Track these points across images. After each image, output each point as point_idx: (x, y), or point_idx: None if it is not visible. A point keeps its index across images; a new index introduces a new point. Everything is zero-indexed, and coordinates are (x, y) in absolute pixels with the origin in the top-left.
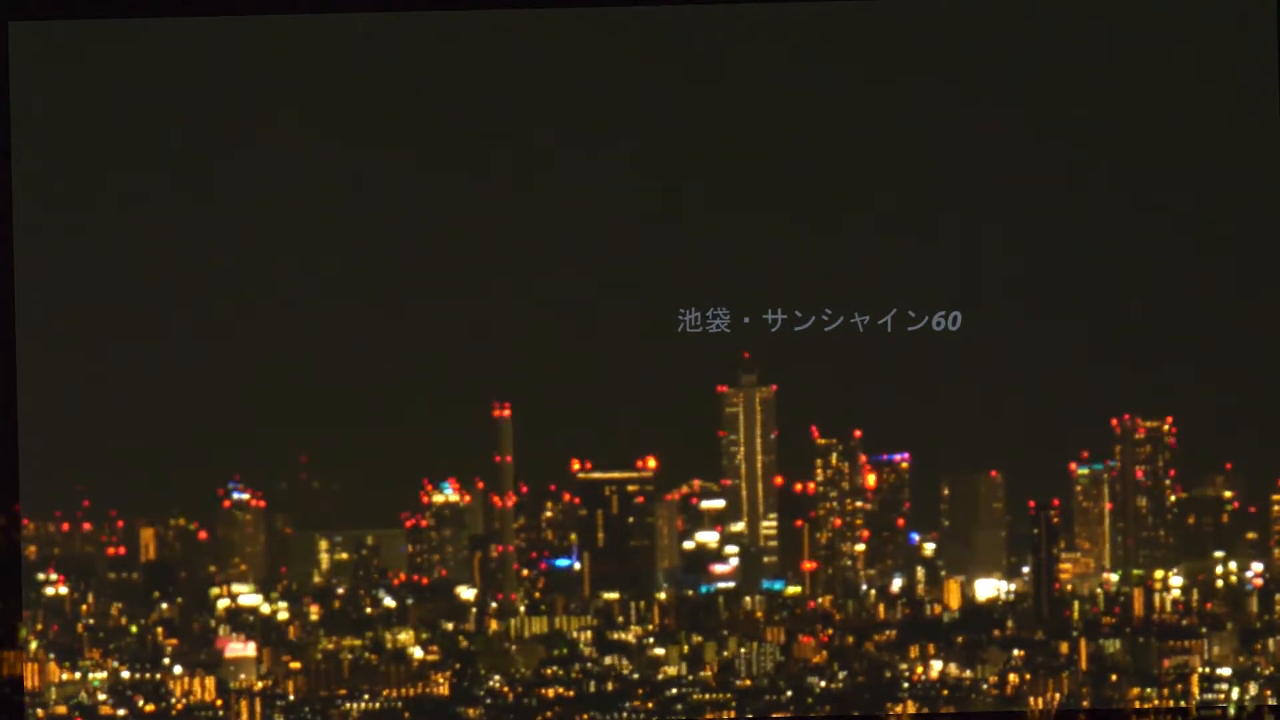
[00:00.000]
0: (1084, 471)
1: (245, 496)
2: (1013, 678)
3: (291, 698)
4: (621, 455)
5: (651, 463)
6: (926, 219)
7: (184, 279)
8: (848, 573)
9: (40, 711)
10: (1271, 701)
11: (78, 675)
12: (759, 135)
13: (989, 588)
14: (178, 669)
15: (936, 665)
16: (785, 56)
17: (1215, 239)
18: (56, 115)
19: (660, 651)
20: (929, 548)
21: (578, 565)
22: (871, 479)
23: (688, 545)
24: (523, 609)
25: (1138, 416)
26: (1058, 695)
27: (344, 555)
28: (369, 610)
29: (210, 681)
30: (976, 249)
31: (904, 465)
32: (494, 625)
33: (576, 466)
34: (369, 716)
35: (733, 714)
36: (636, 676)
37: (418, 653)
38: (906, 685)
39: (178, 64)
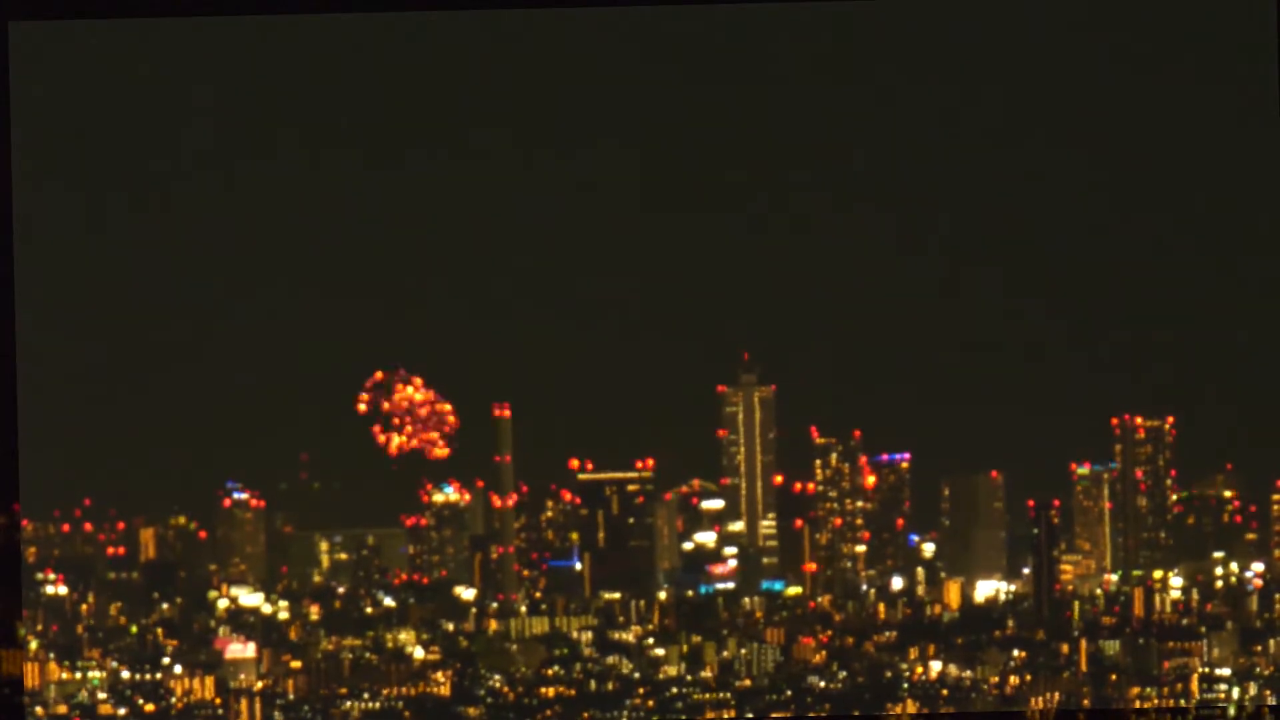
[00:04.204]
0: (1084, 471)
1: (245, 496)
2: (1013, 678)
3: (291, 697)
4: (621, 455)
5: (651, 463)
6: (928, 220)
7: (184, 279)
8: (848, 573)
9: (40, 710)
10: (1271, 701)
11: (78, 675)
12: (760, 136)
13: (989, 588)
14: (178, 669)
15: (936, 666)
16: (786, 59)
17: (1216, 240)
18: (56, 115)
19: (660, 651)
20: (929, 548)
21: (578, 565)
22: (871, 479)
23: (687, 546)
24: (523, 609)
25: (1138, 416)
26: (1057, 695)
27: (344, 555)
28: (369, 610)
29: (210, 681)
30: (977, 249)
31: (904, 465)
32: (494, 625)
33: (576, 466)
34: (369, 716)
35: (733, 714)
36: (637, 676)
37: (418, 653)
38: (906, 685)
39: (178, 63)
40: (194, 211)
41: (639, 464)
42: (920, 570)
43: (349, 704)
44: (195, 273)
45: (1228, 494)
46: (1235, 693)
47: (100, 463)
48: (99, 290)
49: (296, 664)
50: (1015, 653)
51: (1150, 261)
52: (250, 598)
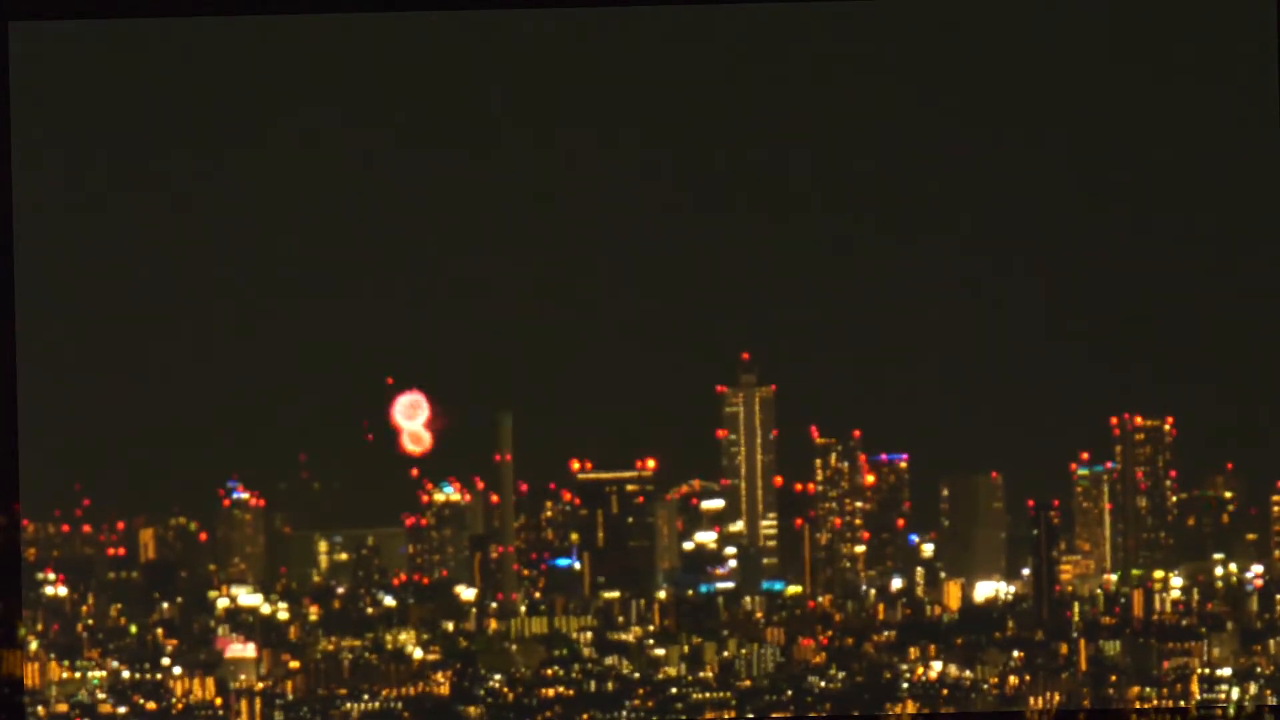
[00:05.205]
0: (1084, 472)
1: (245, 496)
2: (1012, 678)
3: (291, 697)
4: (621, 455)
5: (651, 463)
6: (928, 219)
7: (184, 280)
8: (847, 573)
9: (41, 710)
10: (1271, 701)
11: (78, 675)
12: (760, 136)
13: (989, 589)
14: (178, 669)
15: (936, 666)
16: (787, 59)
17: (1215, 240)
18: (56, 115)
19: (660, 651)
20: (928, 548)
21: (578, 565)
22: (871, 479)
23: (687, 546)
24: (523, 609)
25: (1138, 416)
26: (1057, 696)
27: (344, 555)
28: (369, 610)
29: (210, 681)
30: (977, 249)
31: (903, 465)
32: (494, 625)
33: (576, 466)
34: (369, 716)
35: (733, 714)
36: (637, 676)
37: (418, 653)
38: (906, 685)
39: (178, 63)
40: (194, 211)
41: (639, 464)
42: (920, 570)
43: (349, 704)
44: (195, 272)
45: (1228, 494)
46: (1235, 693)
47: (100, 463)
48: (99, 290)
49: (296, 664)
50: (1015, 653)
51: (1151, 261)
52: (250, 598)
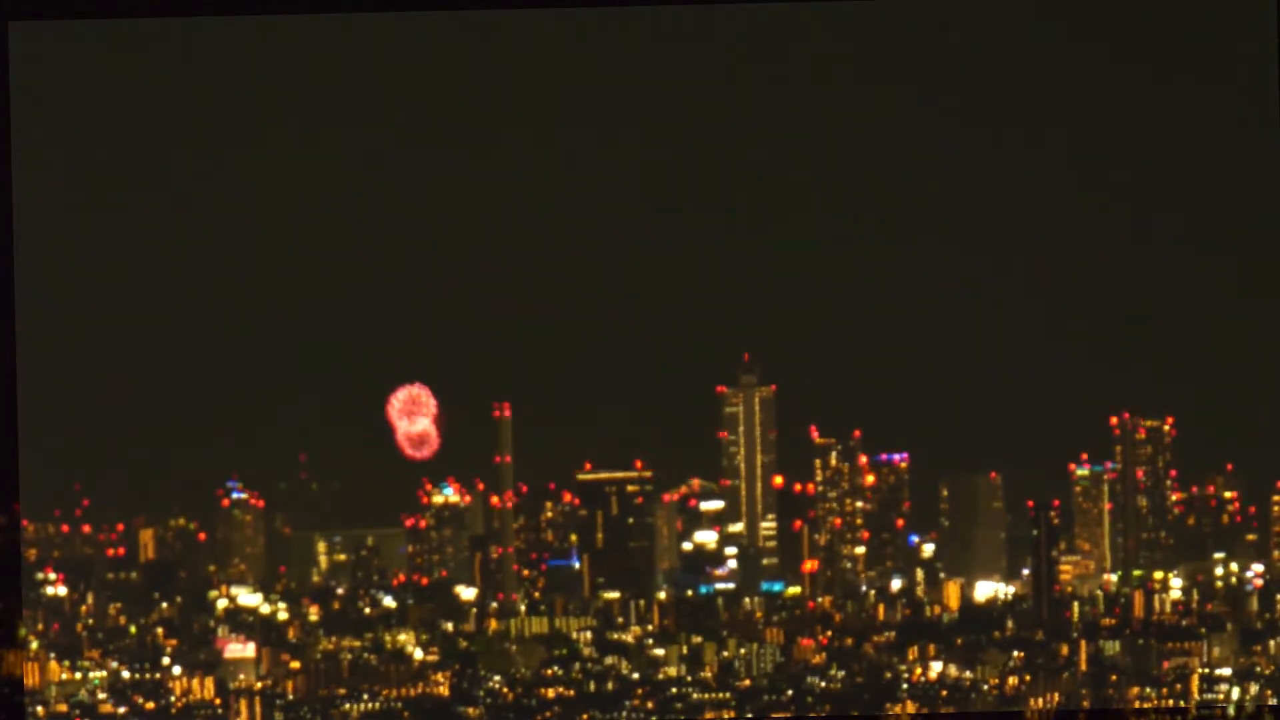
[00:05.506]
0: (1083, 472)
1: (245, 496)
2: (1012, 679)
3: (291, 697)
4: (621, 455)
5: (651, 464)
6: (928, 219)
7: (184, 280)
8: (847, 574)
9: (41, 710)
10: (1272, 701)
11: (78, 675)
12: (760, 136)
13: (988, 589)
14: (177, 669)
15: (936, 666)
16: (788, 59)
17: (1216, 240)
18: (56, 115)
19: (660, 652)
20: (928, 549)
21: (578, 565)
22: (871, 479)
23: (687, 546)
24: (523, 609)
25: (1138, 416)
26: (1057, 696)
27: (343, 555)
28: (368, 611)
29: (210, 681)
30: (978, 249)
31: (903, 465)
32: (494, 625)
33: (576, 467)
34: (369, 717)
35: (733, 714)
36: (636, 676)
37: (418, 653)
38: (906, 686)
39: (177, 63)
40: (194, 211)
41: (639, 464)
42: (920, 571)
43: (349, 704)
44: (195, 272)
45: (1228, 494)
46: (1235, 693)
47: (100, 463)
48: (99, 290)
49: (296, 664)
50: (1015, 653)
51: (1151, 261)
52: (249, 598)
